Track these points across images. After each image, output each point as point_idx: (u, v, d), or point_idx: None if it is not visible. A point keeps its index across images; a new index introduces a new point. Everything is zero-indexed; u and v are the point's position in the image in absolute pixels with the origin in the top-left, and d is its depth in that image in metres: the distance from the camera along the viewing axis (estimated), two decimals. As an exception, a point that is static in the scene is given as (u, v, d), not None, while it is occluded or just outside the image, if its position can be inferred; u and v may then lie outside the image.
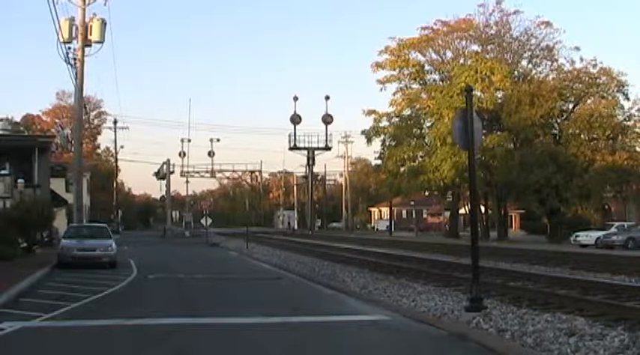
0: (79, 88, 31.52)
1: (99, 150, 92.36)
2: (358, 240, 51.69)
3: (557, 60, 54.25)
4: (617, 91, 50.49)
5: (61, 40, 29.52)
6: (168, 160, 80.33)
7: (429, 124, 55.31)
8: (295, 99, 79.12)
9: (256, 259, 29.81)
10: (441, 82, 56.49)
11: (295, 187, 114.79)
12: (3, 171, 29.29)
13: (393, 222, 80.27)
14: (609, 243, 38.18)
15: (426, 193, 64.77)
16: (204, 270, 22.24)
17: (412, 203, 79.68)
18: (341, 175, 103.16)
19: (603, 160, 48.72)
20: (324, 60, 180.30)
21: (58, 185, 42.25)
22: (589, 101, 51.22)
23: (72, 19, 30.15)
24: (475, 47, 55.89)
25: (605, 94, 50.53)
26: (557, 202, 48.74)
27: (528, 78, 54.01)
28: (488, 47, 55.14)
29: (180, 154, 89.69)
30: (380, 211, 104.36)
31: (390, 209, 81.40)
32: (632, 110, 50.85)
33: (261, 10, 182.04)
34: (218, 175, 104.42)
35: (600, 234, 40.67)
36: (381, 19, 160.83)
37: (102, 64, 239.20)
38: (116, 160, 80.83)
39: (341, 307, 13.20)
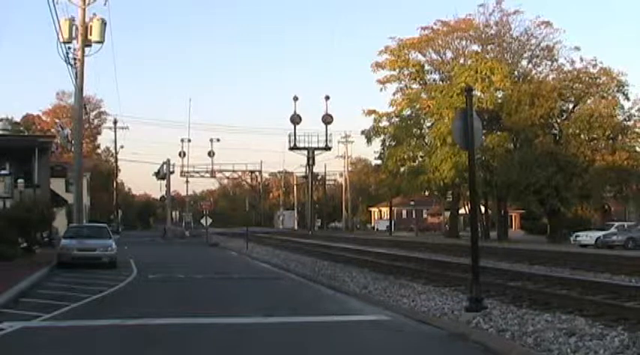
0: (79, 88, 31.50)
1: (99, 150, 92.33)
2: (358, 240, 51.68)
3: (557, 60, 54.29)
4: (617, 91, 50.41)
5: (61, 40, 29.52)
6: (168, 160, 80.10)
7: (429, 124, 55.29)
8: (295, 99, 79.11)
9: (256, 259, 29.81)
10: (441, 82, 56.48)
11: (295, 187, 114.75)
12: (3, 171, 29.22)
13: (393, 222, 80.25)
14: (609, 243, 38.20)
15: (426, 193, 64.73)
16: (204, 270, 22.24)
17: (412, 203, 79.66)
18: (341, 175, 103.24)
19: (603, 160, 48.68)
20: (324, 60, 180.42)
21: (58, 185, 42.26)
22: (589, 101, 51.15)
23: (72, 19, 30.13)
24: (475, 47, 55.94)
25: (605, 94, 50.46)
26: (557, 202, 48.71)
27: (528, 78, 53.97)
28: (489, 47, 55.13)
29: (180, 154, 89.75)
30: (380, 211, 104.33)
31: (390, 209, 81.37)
32: (632, 110, 50.82)
33: (261, 10, 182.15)
34: (218, 175, 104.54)
35: (600, 234, 40.68)
36: (381, 19, 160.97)
37: (102, 64, 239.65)
38: (116, 160, 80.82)
39: (341, 307, 13.19)
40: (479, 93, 48.18)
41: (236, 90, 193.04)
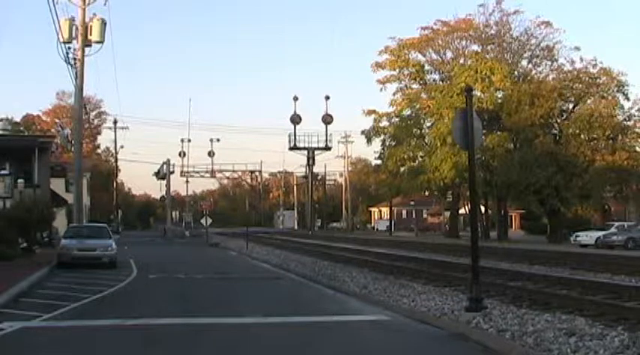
0: (79, 88, 31.51)
1: (99, 150, 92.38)
2: (358, 240, 51.69)
3: (557, 60, 54.28)
4: (617, 91, 50.38)
5: (61, 40, 29.54)
6: (168, 160, 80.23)
7: (429, 124, 55.31)
8: (295, 99, 79.07)
9: (256, 259, 29.81)
10: (441, 82, 56.48)
11: (295, 187, 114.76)
12: (3, 171, 29.21)
13: (393, 222, 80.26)
14: (609, 243, 38.20)
15: (426, 193, 64.77)
16: (204, 270, 22.23)
17: (412, 203, 79.67)
18: (341, 175, 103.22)
19: (603, 160, 48.68)
20: (324, 60, 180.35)
21: (58, 185, 42.23)
22: (589, 101, 51.13)
23: (72, 19, 30.14)
24: (475, 47, 55.93)
25: (605, 94, 50.45)
26: (557, 202, 48.71)
27: (528, 78, 53.98)
28: (489, 47, 55.13)
29: (180, 154, 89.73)
30: (380, 211, 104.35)
31: (390, 209, 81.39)
32: (632, 110, 50.79)
33: (261, 10, 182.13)
34: (218, 175, 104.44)
35: (600, 234, 40.68)
36: (381, 19, 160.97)
37: (102, 64, 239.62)
38: (116, 160, 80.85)
39: (341, 307, 13.19)
40: (479, 93, 48.17)
41: (236, 90, 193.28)
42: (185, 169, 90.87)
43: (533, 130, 49.01)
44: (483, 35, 55.54)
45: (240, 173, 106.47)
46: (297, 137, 79.17)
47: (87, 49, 30.31)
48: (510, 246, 40.34)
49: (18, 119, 79.41)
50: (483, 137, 37.56)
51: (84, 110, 44.51)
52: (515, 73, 54.02)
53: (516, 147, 51.40)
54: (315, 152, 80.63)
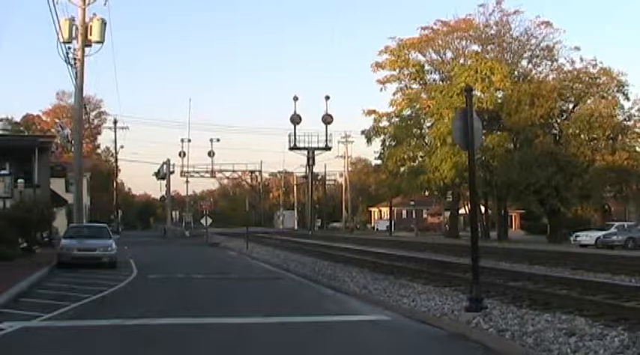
0: (79, 88, 31.52)
1: (99, 150, 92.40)
2: (358, 240, 51.68)
3: (557, 60, 54.32)
4: (617, 91, 50.44)
5: (61, 40, 29.56)
6: (168, 160, 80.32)
7: (429, 124, 55.32)
8: (295, 99, 79.06)
9: (256, 259, 29.81)
10: (441, 82, 56.49)
11: (295, 187, 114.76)
12: (3, 171, 29.17)
13: (393, 222, 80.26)
14: (609, 243, 38.22)
15: (426, 193, 64.75)
16: (204, 270, 22.24)
17: (412, 203, 79.66)
18: (341, 175, 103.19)
19: (603, 160, 48.71)
20: (324, 60, 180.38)
21: (58, 185, 42.26)
22: (589, 101, 51.17)
23: (72, 19, 30.17)
24: (475, 47, 55.96)
25: (605, 94, 50.49)
26: (557, 202, 48.73)
27: (528, 78, 54.00)
28: (489, 47, 55.15)
29: (180, 154, 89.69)
30: (380, 211, 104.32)
31: (390, 209, 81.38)
32: (632, 110, 50.88)
33: (261, 10, 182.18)
34: (218, 175, 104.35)
35: (600, 234, 40.70)
36: (381, 19, 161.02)
37: (102, 64, 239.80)
38: (116, 160, 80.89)
39: (341, 307, 13.19)
40: (479, 93, 48.17)
41: (236, 90, 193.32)
42: (185, 169, 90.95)
43: (533, 130, 49.01)
44: (483, 35, 55.55)
45: (240, 173, 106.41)
46: (297, 137, 79.18)
47: (87, 49, 30.35)
48: (510, 246, 40.34)
49: (18, 119, 79.54)
50: (483, 137, 37.55)
51: (84, 110, 44.52)
52: (515, 73, 54.04)
53: (516, 147, 51.40)
54: (315, 152, 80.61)
